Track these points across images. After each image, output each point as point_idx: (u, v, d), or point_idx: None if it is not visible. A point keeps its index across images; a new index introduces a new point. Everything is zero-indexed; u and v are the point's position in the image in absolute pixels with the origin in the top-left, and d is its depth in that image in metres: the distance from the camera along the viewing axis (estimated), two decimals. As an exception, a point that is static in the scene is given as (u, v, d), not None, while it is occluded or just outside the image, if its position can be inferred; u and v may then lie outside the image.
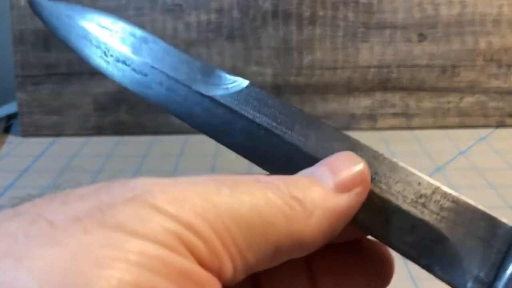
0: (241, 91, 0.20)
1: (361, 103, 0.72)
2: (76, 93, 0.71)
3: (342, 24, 0.70)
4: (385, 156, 0.19)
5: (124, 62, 0.21)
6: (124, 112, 0.71)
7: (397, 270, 0.45)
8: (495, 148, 0.66)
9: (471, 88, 0.72)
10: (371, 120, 0.72)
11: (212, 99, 0.20)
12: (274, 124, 0.19)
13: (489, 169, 0.60)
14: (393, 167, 0.18)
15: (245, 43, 0.70)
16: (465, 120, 0.72)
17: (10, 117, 0.76)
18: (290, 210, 0.16)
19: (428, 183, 0.18)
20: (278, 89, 0.71)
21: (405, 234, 0.18)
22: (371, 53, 0.71)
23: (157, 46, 0.22)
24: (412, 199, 0.18)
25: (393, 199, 0.18)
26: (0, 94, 0.80)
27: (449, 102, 0.72)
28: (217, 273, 0.15)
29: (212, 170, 0.61)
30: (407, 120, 0.72)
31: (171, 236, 0.14)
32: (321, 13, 0.70)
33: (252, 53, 0.71)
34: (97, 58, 0.22)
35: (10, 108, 0.77)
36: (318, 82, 0.71)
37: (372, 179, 0.18)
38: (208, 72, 0.21)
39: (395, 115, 0.72)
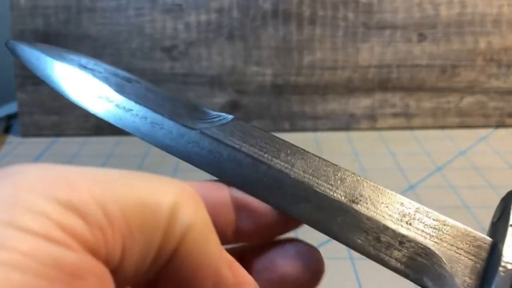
0: (226, 124, 0.21)
1: (361, 103, 0.72)
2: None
3: (342, 24, 0.70)
4: (368, 181, 0.20)
5: (107, 99, 0.21)
6: (124, 112, 0.71)
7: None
8: (495, 148, 0.66)
9: (471, 88, 0.72)
10: (371, 120, 0.72)
11: (198, 131, 0.20)
12: (260, 152, 0.20)
13: (489, 169, 0.60)
14: (376, 190, 0.20)
15: (245, 43, 0.70)
16: (465, 120, 0.72)
17: (10, 117, 0.76)
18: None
19: (410, 203, 0.19)
20: (278, 89, 0.71)
21: (393, 250, 0.19)
22: (371, 53, 0.71)
23: (140, 85, 0.22)
24: (397, 218, 0.19)
25: (380, 218, 0.19)
26: (0, 94, 0.80)
27: (449, 102, 0.72)
28: (104, 256, 0.13)
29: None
30: (407, 120, 0.72)
31: (40, 218, 0.12)
32: (321, 13, 0.70)
33: (252, 53, 0.71)
34: (79, 96, 0.22)
35: (10, 108, 0.77)
36: (318, 82, 0.71)
37: (359, 201, 0.19)
38: (193, 108, 0.22)
39: (395, 115, 0.72)
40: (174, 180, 0.16)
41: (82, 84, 0.22)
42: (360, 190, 0.20)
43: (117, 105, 0.21)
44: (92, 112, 0.22)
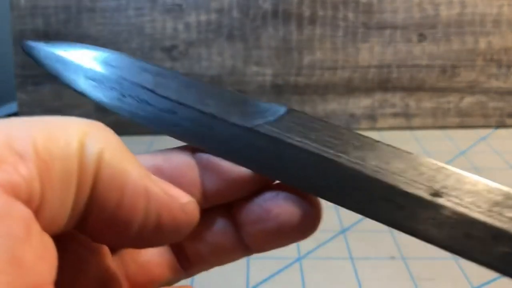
0: (281, 117, 0.19)
1: (361, 103, 0.72)
2: (76, 93, 0.71)
3: (342, 24, 0.70)
4: (448, 167, 0.17)
5: (146, 102, 0.19)
6: (124, 112, 0.72)
7: (398, 270, 0.45)
8: (495, 148, 0.66)
9: (471, 88, 0.72)
10: (371, 120, 0.72)
11: (252, 130, 0.18)
12: (325, 149, 0.18)
13: (489, 169, 0.60)
14: (459, 178, 0.17)
15: (245, 43, 0.71)
16: (465, 120, 0.72)
17: (10, 117, 0.77)
18: None
19: (498, 189, 0.17)
20: (278, 89, 0.71)
21: (487, 246, 0.17)
22: (371, 53, 0.71)
23: (177, 79, 0.20)
24: (486, 209, 0.17)
25: (467, 211, 0.17)
26: (1, 94, 0.80)
27: (449, 102, 0.72)
28: (23, 195, 0.13)
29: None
30: (407, 120, 0.72)
31: None
32: (321, 13, 0.70)
33: (252, 53, 0.71)
34: (113, 101, 0.20)
35: (10, 108, 0.77)
36: (318, 82, 0.71)
37: (442, 194, 0.17)
38: (241, 102, 0.19)
39: (395, 115, 0.72)
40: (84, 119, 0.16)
41: (113, 87, 0.20)
42: (442, 180, 0.17)
43: (156, 108, 0.19)
44: (130, 118, 0.20)
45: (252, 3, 0.70)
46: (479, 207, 0.17)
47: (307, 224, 0.19)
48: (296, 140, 0.18)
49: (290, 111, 0.19)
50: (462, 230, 0.17)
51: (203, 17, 0.70)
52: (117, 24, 0.70)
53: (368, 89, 0.72)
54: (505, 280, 0.44)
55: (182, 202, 0.17)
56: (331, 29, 0.70)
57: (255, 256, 0.48)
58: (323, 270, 0.44)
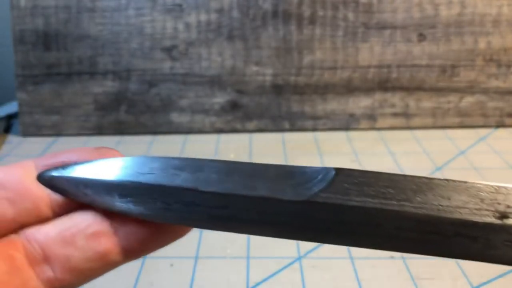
0: (333, 180, 0.18)
1: (361, 103, 0.72)
2: (77, 93, 0.71)
3: (342, 24, 0.70)
4: (504, 185, 0.17)
5: (193, 203, 0.18)
6: (124, 112, 0.72)
7: (397, 270, 0.45)
8: (494, 148, 0.66)
9: (471, 88, 0.72)
10: (371, 120, 0.72)
11: (309, 202, 0.17)
12: (386, 201, 0.17)
13: (488, 169, 0.60)
14: None
15: (245, 43, 0.71)
16: (465, 120, 0.72)
17: (11, 117, 0.77)
18: None
19: None
20: (278, 89, 0.71)
21: None
22: (371, 53, 0.71)
23: (215, 168, 0.19)
24: None
25: None
26: (1, 94, 0.80)
27: (448, 102, 0.72)
28: None
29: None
30: (407, 120, 0.72)
31: None
32: (321, 13, 0.70)
33: (252, 53, 0.71)
34: (159, 212, 0.18)
35: (11, 108, 0.77)
36: (318, 82, 0.71)
37: (509, 214, 0.17)
38: (287, 174, 0.18)
39: (395, 115, 0.72)
40: None
41: (154, 198, 0.18)
42: (503, 200, 0.17)
43: (206, 206, 0.18)
44: (179, 224, 0.18)
45: (252, 3, 0.70)
46: None
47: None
48: (356, 200, 0.17)
49: (339, 171, 0.18)
50: None
51: (203, 17, 0.70)
52: (117, 24, 0.70)
53: (368, 89, 0.72)
54: (504, 279, 0.45)
55: None
56: (331, 29, 0.71)
57: (255, 255, 0.48)
58: (323, 270, 0.44)
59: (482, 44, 0.71)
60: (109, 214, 0.19)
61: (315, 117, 0.72)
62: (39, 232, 0.19)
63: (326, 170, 0.18)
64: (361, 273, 0.44)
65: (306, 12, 0.70)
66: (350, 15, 0.70)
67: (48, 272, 0.19)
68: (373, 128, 0.72)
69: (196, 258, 0.46)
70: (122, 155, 0.20)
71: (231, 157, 0.65)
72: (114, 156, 0.20)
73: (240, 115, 0.72)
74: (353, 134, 0.71)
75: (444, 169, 0.60)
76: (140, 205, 0.18)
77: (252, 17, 0.70)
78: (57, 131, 0.72)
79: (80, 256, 0.19)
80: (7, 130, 0.74)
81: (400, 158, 0.63)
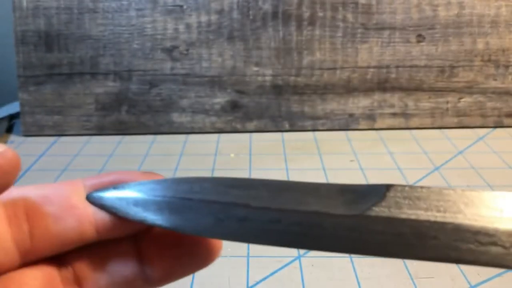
0: (385, 195, 0.18)
1: (360, 103, 0.72)
2: (78, 93, 0.72)
3: (342, 25, 0.71)
4: None
5: (245, 219, 0.18)
6: (125, 112, 0.72)
7: (396, 268, 0.46)
8: (493, 148, 0.66)
9: (469, 89, 0.72)
10: (370, 120, 0.72)
11: (362, 216, 0.18)
12: (440, 214, 0.17)
13: (487, 169, 0.61)
14: None
15: (245, 44, 0.71)
16: (463, 120, 0.73)
17: (12, 117, 0.77)
18: None
19: None
20: (278, 89, 0.72)
21: None
22: (370, 53, 0.71)
23: (267, 186, 0.19)
24: None
25: None
26: (3, 94, 0.81)
27: (447, 102, 0.72)
28: None
29: (212, 169, 0.62)
30: (405, 120, 0.73)
31: None
32: (320, 14, 0.71)
33: (252, 53, 0.71)
34: (211, 228, 0.18)
35: (12, 108, 0.78)
36: (317, 82, 0.72)
37: None
38: (339, 191, 0.19)
39: (393, 115, 0.72)
40: None
41: (206, 213, 0.18)
42: None
43: (258, 222, 0.18)
44: (232, 240, 0.18)
45: (252, 4, 0.70)
46: None
47: (207, 252, 0.20)
48: (409, 213, 0.17)
49: (389, 187, 0.18)
50: None
51: (203, 18, 0.71)
52: (119, 25, 0.71)
53: (367, 89, 0.72)
54: (502, 278, 0.45)
55: None
56: (331, 29, 0.71)
57: (255, 254, 0.48)
58: (323, 268, 0.45)
59: (480, 45, 0.71)
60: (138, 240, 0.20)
61: (314, 117, 0.72)
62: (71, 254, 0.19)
63: (377, 186, 0.18)
64: (360, 272, 0.44)
65: (306, 13, 0.71)
66: (350, 16, 0.71)
67: None
68: (372, 128, 0.73)
69: (197, 257, 0.47)
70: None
71: (231, 157, 0.65)
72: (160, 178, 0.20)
73: (240, 115, 0.72)
74: (352, 134, 0.72)
75: (443, 169, 0.61)
76: (193, 221, 0.18)
77: (252, 18, 0.71)
78: (59, 131, 0.73)
79: (108, 280, 0.20)
80: (9, 130, 0.75)
81: (399, 158, 0.64)
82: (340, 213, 0.18)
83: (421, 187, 0.18)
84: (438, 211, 0.17)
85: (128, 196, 0.19)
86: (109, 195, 0.19)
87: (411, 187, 0.18)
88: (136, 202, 0.19)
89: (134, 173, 0.20)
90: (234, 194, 0.19)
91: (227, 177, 0.19)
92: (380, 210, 0.18)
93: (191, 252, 0.20)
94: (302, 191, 0.19)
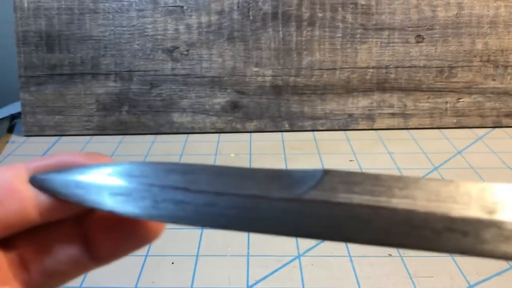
0: (321, 180, 0.18)
1: (359, 103, 0.73)
2: (79, 94, 0.72)
3: (341, 26, 0.71)
4: (490, 184, 0.18)
5: (183, 202, 0.18)
6: (126, 112, 0.72)
7: (395, 267, 0.46)
8: (492, 148, 0.67)
9: (468, 89, 0.73)
10: (369, 120, 0.73)
11: (298, 200, 0.18)
12: (375, 198, 0.18)
13: (486, 169, 0.61)
14: (504, 190, 0.18)
15: (245, 44, 0.71)
16: (462, 121, 0.73)
17: (14, 117, 0.77)
18: None
19: None
20: (277, 90, 0.72)
21: None
22: (369, 54, 0.72)
23: (206, 171, 0.19)
24: None
25: None
26: (4, 94, 0.81)
27: (446, 103, 0.73)
28: None
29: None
30: (404, 120, 0.73)
31: None
32: (320, 14, 0.71)
33: (252, 54, 0.72)
34: (147, 210, 0.19)
35: (14, 108, 0.78)
36: (317, 82, 0.72)
37: (496, 210, 0.17)
38: (276, 176, 0.19)
39: (393, 115, 0.73)
40: None
41: (143, 196, 0.19)
42: (490, 197, 0.17)
43: (195, 205, 0.18)
44: (168, 222, 0.19)
45: (252, 5, 0.71)
46: None
47: (148, 232, 0.20)
48: (344, 197, 0.18)
49: (326, 172, 0.18)
50: None
51: (204, 19, 0.71)
52: (119, 26, 0.71)
53: (366, 90, 0.72)
54: (501, 277, 0.45)
55: None
56: (330, 30, 0.71)
57: (255, 253, 0.49)
58: (322, 268, 0.45)
59: (479, 45, 0.72)
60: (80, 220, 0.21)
61: (314, 117, 0.73)
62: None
63: (314, 171, 0.18)
64: (360, 271, 0.44)
65: (306, 13, 0.71)
66: (349, 17, 0.71)
67: (23, 275, 0.20)
68: (371, 128, 0.73)
69: (197, 256, 0.47)
70: (112, 160, 0.21)
71: (231, 156, 0.65)
72: (105, 161, 0.20)
73: (240, 115, 0.73)
74: (351, 134, 0.72)
75: (441, 169, 0.61)
76: (130, 203, 0.19)
77: (252, 18, 0.71)
78: (60, 131, 0.73)
79: (54, 261, 0.20)
80: (10, 130, 0.75)
81: (398, 158, 0.64)
82: (276, 196, 0.18)
83: (358, 172, 0.18)
84: (372, 195, 0.18)
85: (70, 179, 0.19)
86: (52, 178, 0.19)
87: (348, 172, 0.18)
88: (77, 185, 0.19)
89: (77, 155, 0.20)
90: (173, 178, 0.19)
91: (167, 162, 0.20)
92: (316, 194, 0.18)
93: (132, 232, 0.20)
94: (240, 175, 0.19)
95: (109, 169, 0.20)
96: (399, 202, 0.17)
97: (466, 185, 0.18)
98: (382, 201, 0.17)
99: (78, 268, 0.21)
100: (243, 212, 0.18)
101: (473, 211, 0.17)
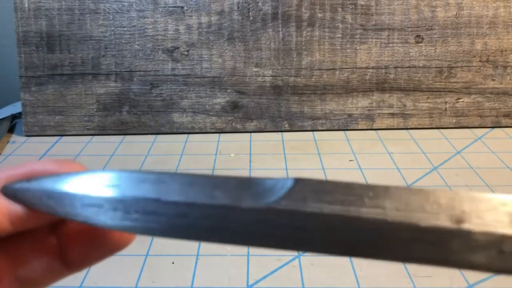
0: (291, 189, 0.18)
1: (359, 104, 0.73)
2: (79, 94, 0.72)
3: (341, 26, 0.71)
4: (459, 192, 0.18)
5: (154, 213, 0.18)
6: (127, 112, 0.73)
7: (395, 267, 0.46)
8: (491, 148, 0.67)
9: (467, 89, 0.73)
10: (369, 120, 0.73)
11: (267, 210, 0.18)
12: (345, 208, 0.17)
13: (485, 169, 0.61)
14: (473, 199, 0.17)
15: (245, 45, 0.72)
16: (462, 121, 0.73)
17: (14, 117, 0.78)
18: None
19: (511, 199, 0.17)
20: (277, 90, 0.72)
21: None
22: (369, 54, 0.72)
23: (179, 180, 0.19)
24: (509, 221, 0.17)
25: (492, 228, 0.17)
26: (5, 95, 0.81)
27: (445, 103, 0.73)
28: None
29: (213, 169, 0.62)
30: (404, 120, 0.73)
31: None
32: (320, 15, 0.71)
33: (252, 54, 0.72)
34: (119, 221, 0.19)
35: (14, 108, 0.78)
36: (317, 82, 0.72)
37: (464, 219, 0.17)
38: (247, 185, 0.19)
39: (392, 115, 0.73)
40: None
41: (115, 207, 0.19)
42: (459, 206, 0.17)
43: (166, 216, 0.18)
44: (140, 233, 0.19)
45: (252, 6, 0.71)
46: (501, 222, 0.17)
47: (119, 241, 0.21)
48: (314, 207, 0.17)
49: (297, 181, 0.18)
50: (495, 249, 0.17)
51: (204, 19, 0.71)
52: (120, 26, 0.71)
53: (366, 90, 0.73)
54: (501, 277, 0.45)
55: None
56: (330, 30, 0.71)
57: (255, 253, 0.49)
58: (322, 267, 0.45)
59: (478, 46, 0.72)
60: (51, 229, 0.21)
61: (314, 118, 0.73)
62: None
63: (284, 180, 0.18)
64: (359, 271, 0.45)
65: (305, 14, 0.71)
66: (349, 17, 0.71)
67: None
68: (371, 128, 0.73)
69: (197, 256, 0.47)
70: (85, 168, 0.21)
71: (232, 156, 0.65)
72: (77, 169, 0.20)
73: (240, 115, 0.73)
74: (351, 134, 0.72)
75: (441, 169, 0.61)
76: (101, 214, 0.19)
77: (252, 19, 0.71)
78: (60, 131, 0.73)
79: (27, 269, 0.20)
80: (11, 130, 0.75)
81: (397, 157, 0.64)
82: (246, 206, 0.18)
83: (329, 181, 0.18)
84: (342, 204, 0.17)
85: (42, 189, 0.19)
86: (24, 188, 0.19)
87: (319, 180, 0.18)
88: (50, 196, 0.19)
89: (48, 163, 0.20)
90: (145, 188, 0.19)
91: (139, 171, 0.20)
92: (286, 204, 0.17)
93: (105, 240, 0.21)
94: (212, 185, 0.19)
95: (81, 179, 0.19)
96: (368, 211, 0.17)
97: (435, 194, 0.17)
98: (352, 210, 0.17)
99: (52, 275, 0.21)
100: (213, 223, 0.18)
101: (441, 221, 0.17)
